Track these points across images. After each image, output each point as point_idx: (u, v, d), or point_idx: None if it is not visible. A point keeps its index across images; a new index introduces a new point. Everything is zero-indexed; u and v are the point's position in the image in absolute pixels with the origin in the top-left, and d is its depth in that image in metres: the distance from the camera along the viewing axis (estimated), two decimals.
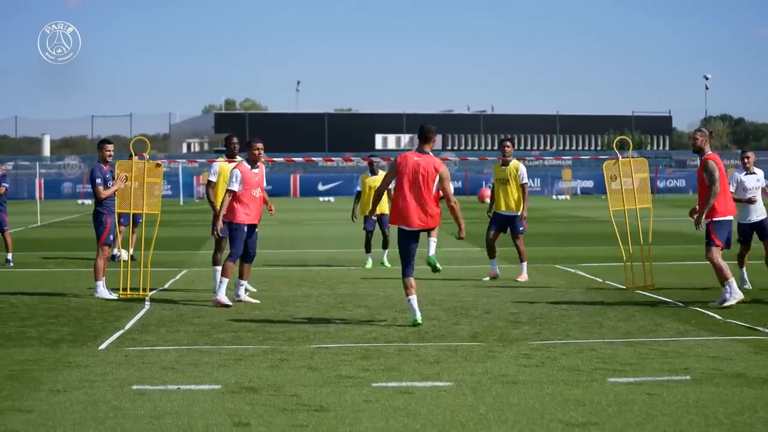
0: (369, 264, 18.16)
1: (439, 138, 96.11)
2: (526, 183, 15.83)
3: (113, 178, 14.06)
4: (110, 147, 14.50)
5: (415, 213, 11.11)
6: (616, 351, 9.60)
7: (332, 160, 55.65)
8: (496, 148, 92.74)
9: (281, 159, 29.35)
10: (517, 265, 16.08)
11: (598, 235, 25.05)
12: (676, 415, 7.12)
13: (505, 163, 15.99)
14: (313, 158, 32.54)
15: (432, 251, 11.34)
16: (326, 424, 6.95)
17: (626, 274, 14.66)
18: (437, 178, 11.13)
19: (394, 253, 19.70)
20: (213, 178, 13.98)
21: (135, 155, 14.32)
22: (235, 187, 12.87)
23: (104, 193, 13.95)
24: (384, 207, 18.31)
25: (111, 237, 14.09)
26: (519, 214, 15.83)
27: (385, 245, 18.37)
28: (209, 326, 11.34)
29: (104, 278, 13.96)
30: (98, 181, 13.97)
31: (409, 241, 11.29)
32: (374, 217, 18.11)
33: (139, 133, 76.16)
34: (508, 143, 16.14)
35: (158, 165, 14.36)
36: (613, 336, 10.50)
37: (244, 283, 13.40)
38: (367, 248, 18.40)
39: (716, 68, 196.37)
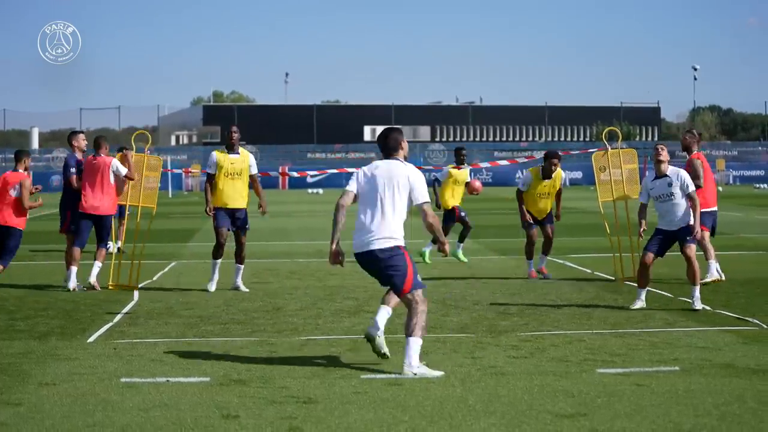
0: None
1: (427, 129, 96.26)
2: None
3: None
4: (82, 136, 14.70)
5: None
6: (605, 342, 9.62)
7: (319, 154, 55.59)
8: (484, 139, 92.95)
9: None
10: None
11: (587, 226, 25.07)
12: (665, 406, 7.14)
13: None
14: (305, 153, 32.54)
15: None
16: (315, 415, 6.95)
17: (615, 266, 14.67)
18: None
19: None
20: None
21: (135, 149, 14.59)
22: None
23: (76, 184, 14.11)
24: None
25: (72, 227, 14.16)
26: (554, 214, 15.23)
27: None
28: (198, 319, 11.33)
29: (75, 267, 13.84)
30: (72, 170, 14.13)
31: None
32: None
33: (128, 126, 76.18)
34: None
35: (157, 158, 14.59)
36: (602, 327, 10.52)
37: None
38: None
39: (705, 59, 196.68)
